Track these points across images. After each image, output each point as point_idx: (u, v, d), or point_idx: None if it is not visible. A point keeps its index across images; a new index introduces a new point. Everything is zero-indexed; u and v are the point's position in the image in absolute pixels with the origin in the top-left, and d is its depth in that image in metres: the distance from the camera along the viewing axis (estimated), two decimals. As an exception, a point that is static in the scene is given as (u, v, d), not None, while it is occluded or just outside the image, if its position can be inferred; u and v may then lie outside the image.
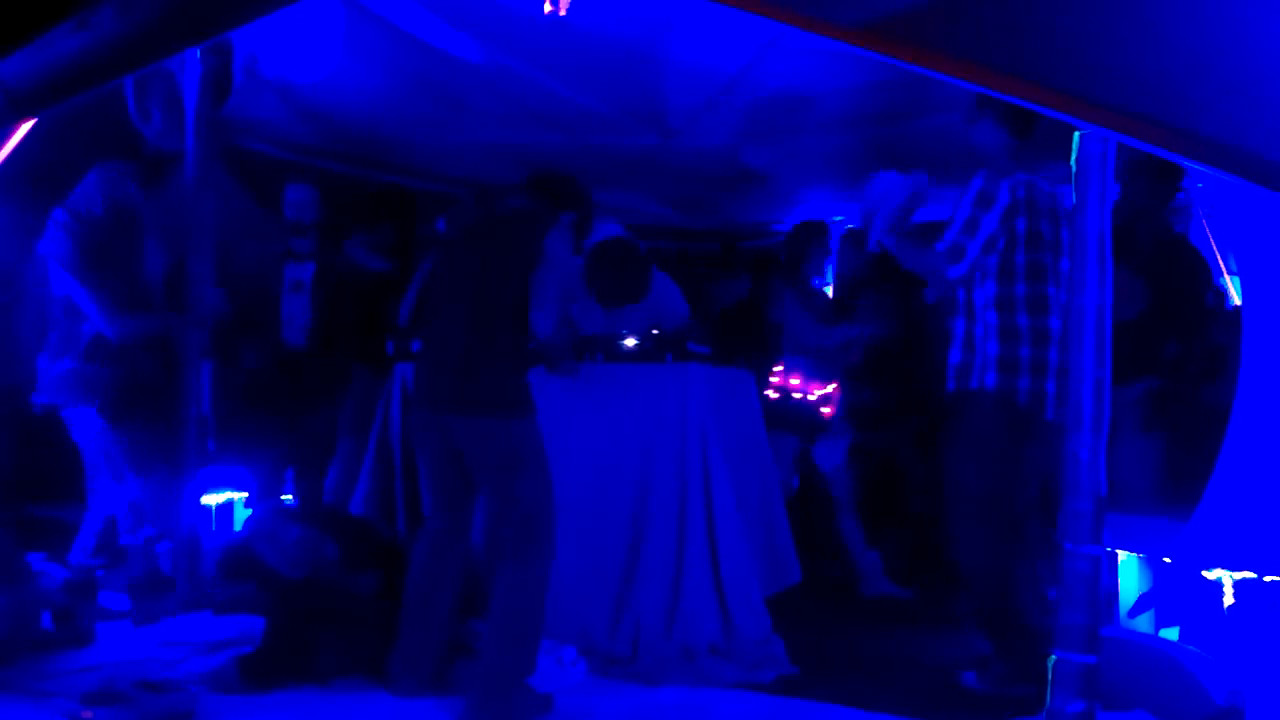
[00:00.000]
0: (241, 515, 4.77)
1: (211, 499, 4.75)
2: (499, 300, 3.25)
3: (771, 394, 5.11)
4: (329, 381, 5.03)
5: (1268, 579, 3.13)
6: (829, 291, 6.13)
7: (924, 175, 3.63)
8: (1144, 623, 3.66)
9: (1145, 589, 3.72)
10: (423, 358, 3.46)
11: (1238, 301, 4.84)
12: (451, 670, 3.44)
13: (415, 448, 3.51)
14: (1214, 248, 5.55)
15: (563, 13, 3.82)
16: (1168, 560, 3.55)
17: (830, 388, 5.11)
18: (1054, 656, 2.74)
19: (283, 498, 4.96)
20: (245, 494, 4.76)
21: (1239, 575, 3.21)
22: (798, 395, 5.06)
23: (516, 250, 3.26)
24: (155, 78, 4.68)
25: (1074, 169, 2.74)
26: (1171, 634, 3.51)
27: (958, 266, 3.44)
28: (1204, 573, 3.32)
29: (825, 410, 5.06)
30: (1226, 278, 5.64)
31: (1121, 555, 3.73)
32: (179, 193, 4.51)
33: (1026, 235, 3.43)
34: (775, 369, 5.20)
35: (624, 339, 4.39)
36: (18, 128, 3.77)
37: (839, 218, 7.06)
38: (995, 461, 3.43)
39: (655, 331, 4.37)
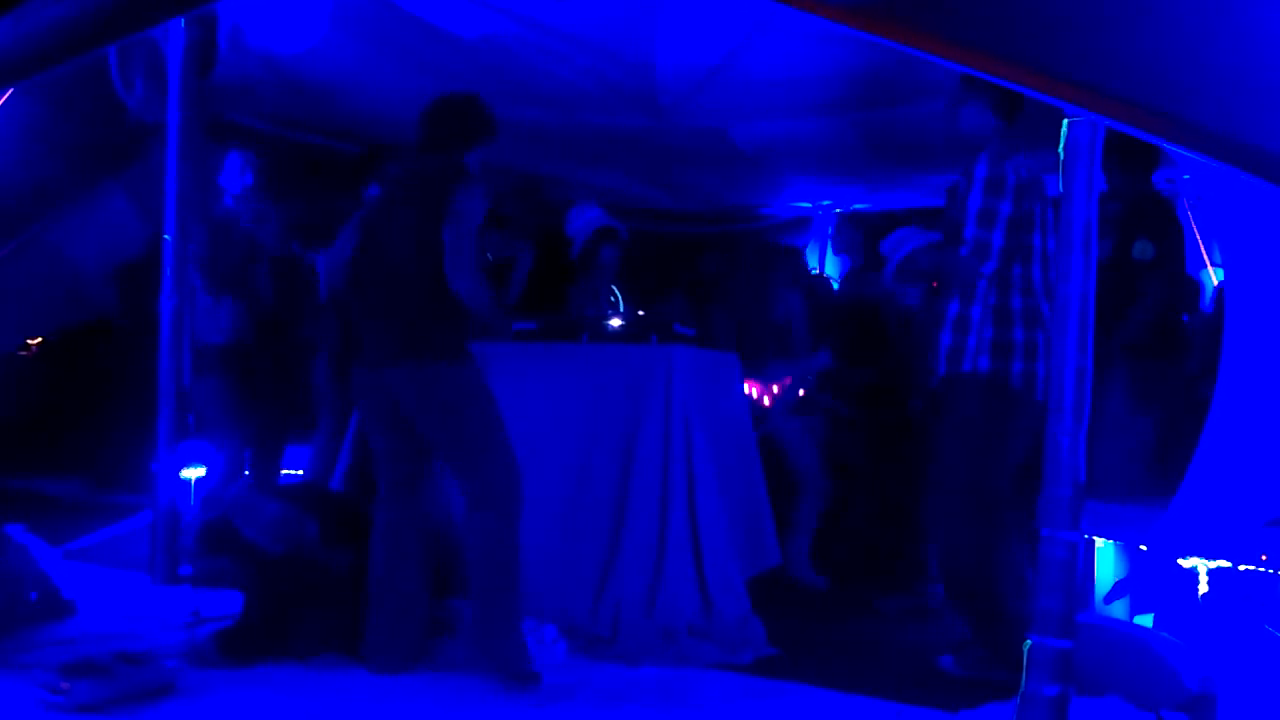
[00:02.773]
0: (202, 492, 4.74)
1: (191, 473, 4.73)
2: (417, 259, 3.25)
3: None
4: (290, 358, 4.97)
5: (1242, 568, 3.16)
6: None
7: (934, 235, 3.63)
8: (1119, 609, 3.69)
9: (1121, 575, 3.75)
10: (357, 320, 3.46)
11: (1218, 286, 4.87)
12: (433, 647, 3.45)
13: (359, 414, 3.49)
14: (1198, 238, 5.59)
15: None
16: (1144, 548, 3.58)
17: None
18: (1030, 641, 2.76)
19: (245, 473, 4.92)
20: (204, 469, 4.73)
21: (1214, 564, 3.24)
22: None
23: (427, 209, 3.25)
24: (139, 47, 4.63)
25: (1061, 156, 2.75)
26: (1146, 620, 3.54)
27: (989, 262, 3.39)
28: (1179, 561, 3.35)
29: (765, 401, 5.02)
30: (1210, 269, 5.67)
31: (1099, 542, 3.76)
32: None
33: (1024, 218, 3.42)
34: None
35: (610, 319, 4.38)
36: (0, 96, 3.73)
37: (826, 201, 7.08)
38: (984, 445, 3.42)
39: (641, 313, 4.36)
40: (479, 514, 3.28)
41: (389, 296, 3.32)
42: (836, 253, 6.42)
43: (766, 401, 4.99)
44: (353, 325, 3.49)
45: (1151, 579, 3.57)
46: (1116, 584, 3.73)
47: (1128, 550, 3.73)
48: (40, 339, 7.01)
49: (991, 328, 3.43)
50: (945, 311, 3.50)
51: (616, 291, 5.57)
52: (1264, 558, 3.12)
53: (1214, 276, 5.60)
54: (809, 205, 7.20)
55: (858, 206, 6.89)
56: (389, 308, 3.32)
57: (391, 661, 3.35)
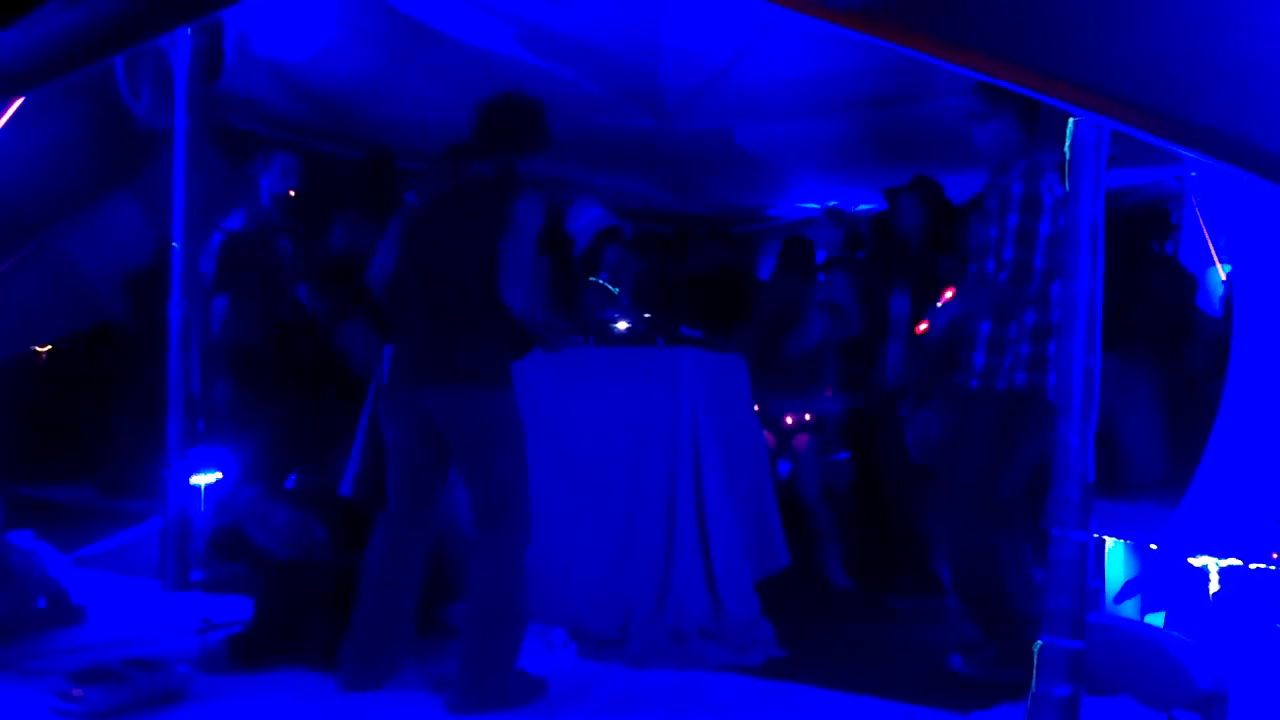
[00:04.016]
0: (216, 497, 4.75)
1: (201, 479, 4.74)
2: (469, 271, 3.15)
3: None
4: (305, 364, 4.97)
5: (1253, 566, 3.15)
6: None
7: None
8: (1130, 608, 3.69)
9: (1132, 575, 3.75)
10: (398, 334, 3.37)
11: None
12: (430, 653, 3.44)
13: (384, 428, 3.38)
14: (1206, 235, 5.58)
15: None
16: (1154, 547, 3.57)
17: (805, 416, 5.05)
18: (1040, 641, 2.76)
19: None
20: (220, 474, 4.73)
21: (1224, 562, 3.24)
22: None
23: (483, 219, 3.15)
24: (146, 55, 4.65)
25: (1067, 156, 2.74)
26: (1157, 620, 3.53)
27: (1031, 285, 3.36)
28: (1190, 559, 3.34)
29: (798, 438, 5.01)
30: (1218, 266, 5.67)
31: (1109, 541, 3.76)
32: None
33: (1062, 235, 3.40)
34: None
35: (616, 322, 4.39)
36: (9, 104, 3.75)
37: (832, 203, 7.07)
38: (1008, 457, 3.40)
39: (647, 316, 4.36)
40: (488, 546, 3.19)
41: (437, 312, 3.21)
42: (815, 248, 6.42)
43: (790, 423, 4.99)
44: (392, 339, 3.39)
45: (1162, 578, 3.57)
46: (1127, 583, 3.72)
47: (1138, 549, 3.72)
48: (50, 345, 7.03)
49: (1029, 344, 3.40)
50: (977, 332, 3.46)
51: (616, 290, 5.57)
52: (1275, 556, 3.11)
53: (1221, 273, 5.59)
54: (815, 206, 7.19)
55: (863, 207, 6.89)
56: (437, 324, 3.21)
57: (362, 676, 3.23)
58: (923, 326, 4.55)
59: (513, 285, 3.12)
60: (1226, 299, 5.17)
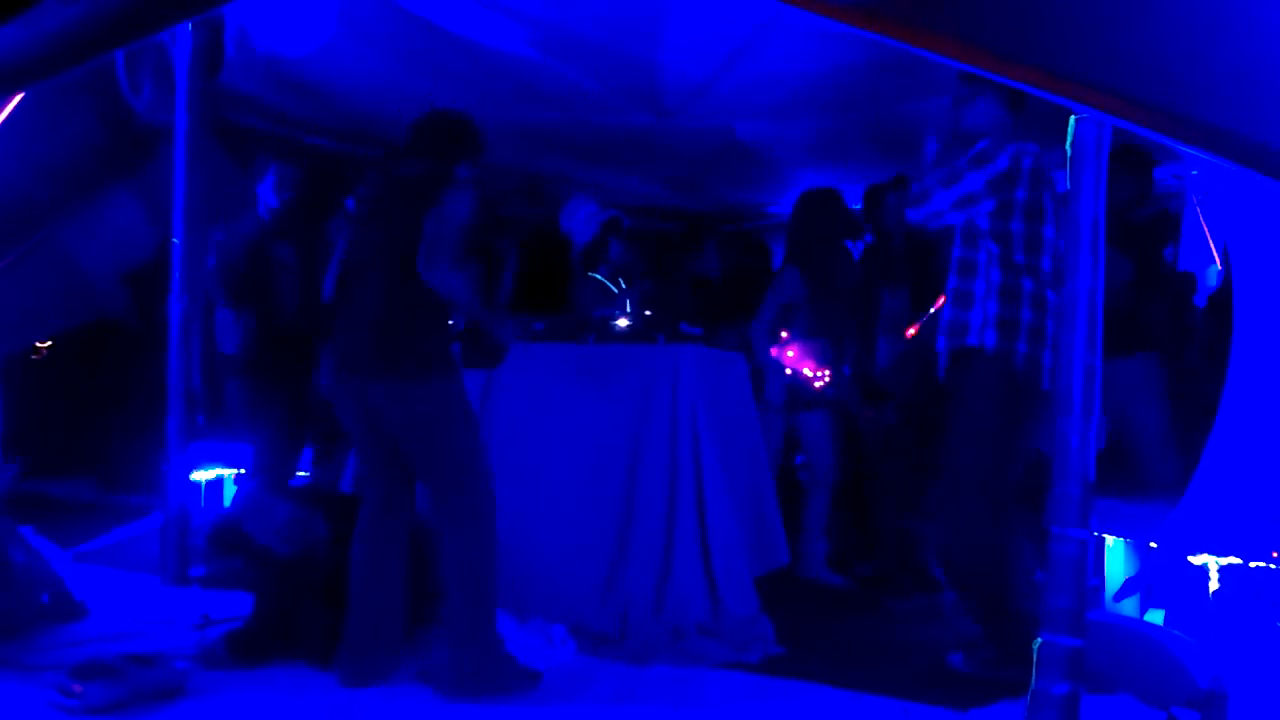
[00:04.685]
0: (231, 491, 4.76)
1: (201, 475, 4.74)
2: (403, 262, 3.14)
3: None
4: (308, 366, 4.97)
5: (1253, 564, 3.15)
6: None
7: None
8: (1130, 606, 3.69)
9: (1132, 573, 3.74)
10: (338, 328, 3.36)
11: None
12: (427, 650, 3.44)
13: (339, 419, 3.41)
14: (1207, 234, 5.57)
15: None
16: (1154, 545, 3.57)
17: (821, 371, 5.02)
18: (1040, 639, 2.76)
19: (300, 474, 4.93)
20: (238, 470, 4.73)
21: (1224, 560, 3.24)
22: (788, 371, 4.97)
23: (412, 208, 3.17)
24: (146, 50, 4.65)
25: (1068, 154, 2.74)
26: (1157, 618, 3.53)
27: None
28: (1190, 558, 3.34)
29: (815, 384, 4.98)
30: (1218, 263, 5.66)
31: (1109, 539, 3.76)
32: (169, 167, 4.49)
33: (1026, 206, 3.39)
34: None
35: (616, 319, 4.39)
36: (9, 100, 3.75)
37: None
38: (992, 430, 3.38)
39: (648, 313, 4.36)
40: (452, 534, 3.21)
41: (370, 305, 3.23)
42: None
43: (818, 384, 4.96)
44: (336, 335, 3.39)
45: (1162, 576, 3.57)
46: (1127, 581, 3.72)
47: (1138, 547, 3.72)
48: (50, 342, 7.04)
49: (997, 303, 3.40)
50: (946, 288, 3.50)
51: (621, 285, 5.56)
52: (1275, 554, 3.12)
53: (1216, 259, 5.60)
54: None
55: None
56: (370, 318, 3.22)
57: (365, 673, 3.26)
58: (911, 331, 4.57)
59: (432, 260, 3.11)
60: (1211, 295, 5.20)
